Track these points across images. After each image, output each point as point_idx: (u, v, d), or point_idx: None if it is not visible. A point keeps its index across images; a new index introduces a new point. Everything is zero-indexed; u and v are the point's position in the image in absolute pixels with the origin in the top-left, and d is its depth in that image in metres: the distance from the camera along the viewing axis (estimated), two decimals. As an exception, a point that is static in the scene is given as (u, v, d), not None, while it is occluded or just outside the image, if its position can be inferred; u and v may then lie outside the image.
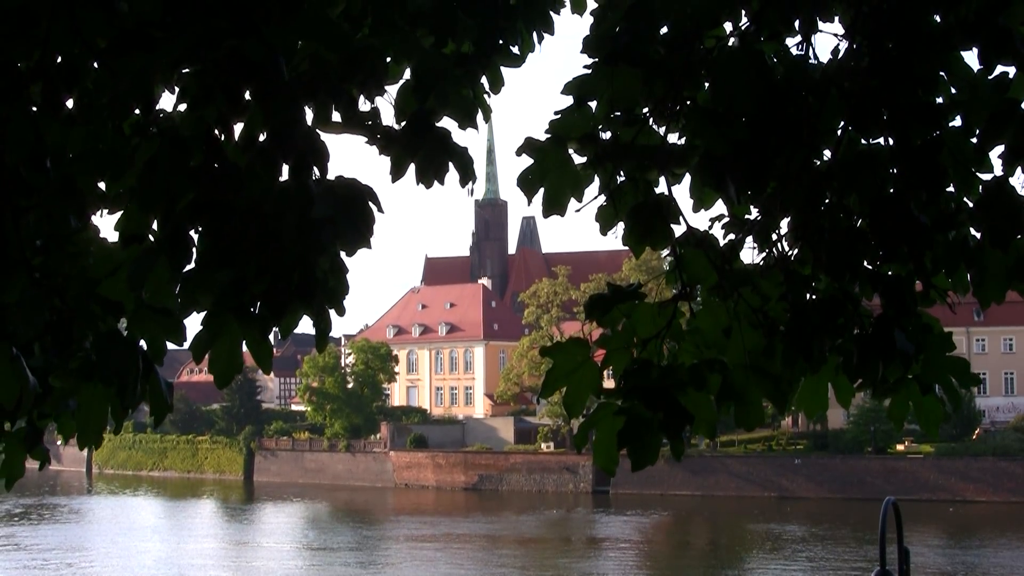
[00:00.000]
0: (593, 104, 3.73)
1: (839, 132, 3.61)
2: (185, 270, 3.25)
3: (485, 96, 3.95)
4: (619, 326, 3.68)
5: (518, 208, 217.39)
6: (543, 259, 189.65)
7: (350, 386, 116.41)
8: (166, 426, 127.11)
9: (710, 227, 3.69)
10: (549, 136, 3.78)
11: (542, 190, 3.83)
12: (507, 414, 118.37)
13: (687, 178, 3.74)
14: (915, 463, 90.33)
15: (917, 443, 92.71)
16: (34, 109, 3.22)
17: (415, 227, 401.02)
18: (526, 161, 3.83)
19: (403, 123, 3.54)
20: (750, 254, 3.71)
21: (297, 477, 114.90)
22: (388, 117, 3.59)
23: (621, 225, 3.76)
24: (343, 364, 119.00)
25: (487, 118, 3.98)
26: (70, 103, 3.31)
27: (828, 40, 3.66)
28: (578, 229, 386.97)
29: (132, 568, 59.06)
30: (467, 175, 3.62)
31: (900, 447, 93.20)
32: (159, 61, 3.13)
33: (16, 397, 3.16)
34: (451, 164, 3.61)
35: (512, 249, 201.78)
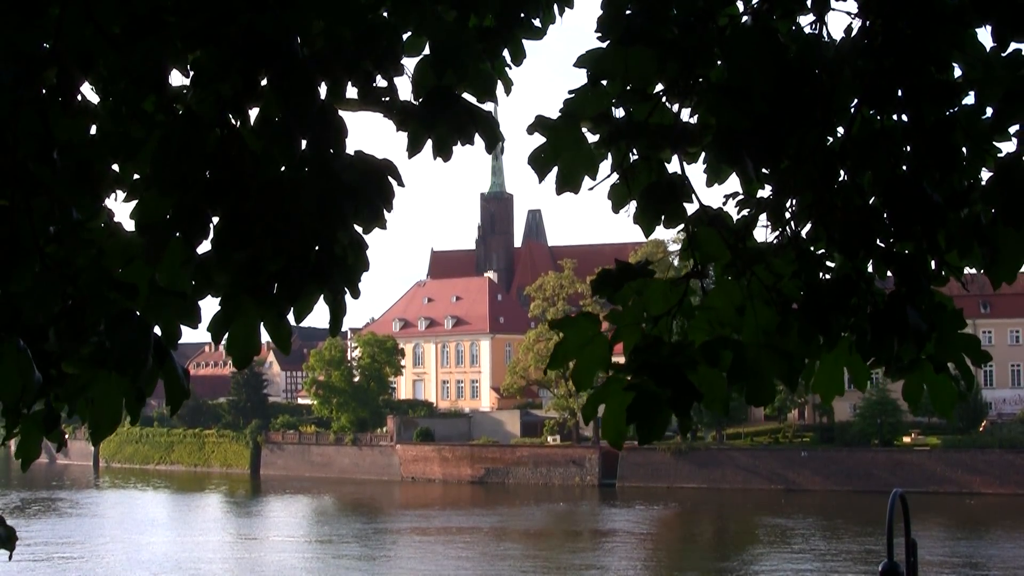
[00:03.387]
0: (606, 83, 3.73)
1: (852, 110, 3.60)
2: (201, 252, 3.24)
3: (507, 69, 3.94)
4: (630, 302, 3.68)
5: (524, 201, 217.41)
6: (549, 252, 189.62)
7: (356, 380, 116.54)
8: (173, 420, 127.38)
9: (724, 203, 3.69)
10: (561, 114, 3.77)
11: (555, 169, 3.82)
12: (513, 407, 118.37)
13: (699, 157, 3.73)
14: (922, 455, 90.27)
15: (924, 435, 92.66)
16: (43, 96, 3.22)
17: (421, 221, 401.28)
18: (532, 150, 3.82)
19: (421, 98, 3.52)
20: (764, 233, 3.70)
21: (303, 471, 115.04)
22: (405, 91, 3.58)
23: (633, 204, 3.75)
24: (349, 358, 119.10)
25: (508, 91, 3.97)
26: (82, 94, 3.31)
27: (841, 18, 3.65)
28: (584, 222, 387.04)
29: (139, 562, 59.14)
30: (494, 139, 3.60)
31: (907, 439, 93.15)
32: (171, 40, 3.13)
33: (17, 394, 3.15)
34: (476, 132, 3.59)
35: (518, 242, 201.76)
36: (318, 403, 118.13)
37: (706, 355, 3.52)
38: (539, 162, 3.81)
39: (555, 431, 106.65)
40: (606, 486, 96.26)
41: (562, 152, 3.78)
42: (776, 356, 3.59)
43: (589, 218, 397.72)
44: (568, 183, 3.82)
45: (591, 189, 3.85)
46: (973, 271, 3.85)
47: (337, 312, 3.37)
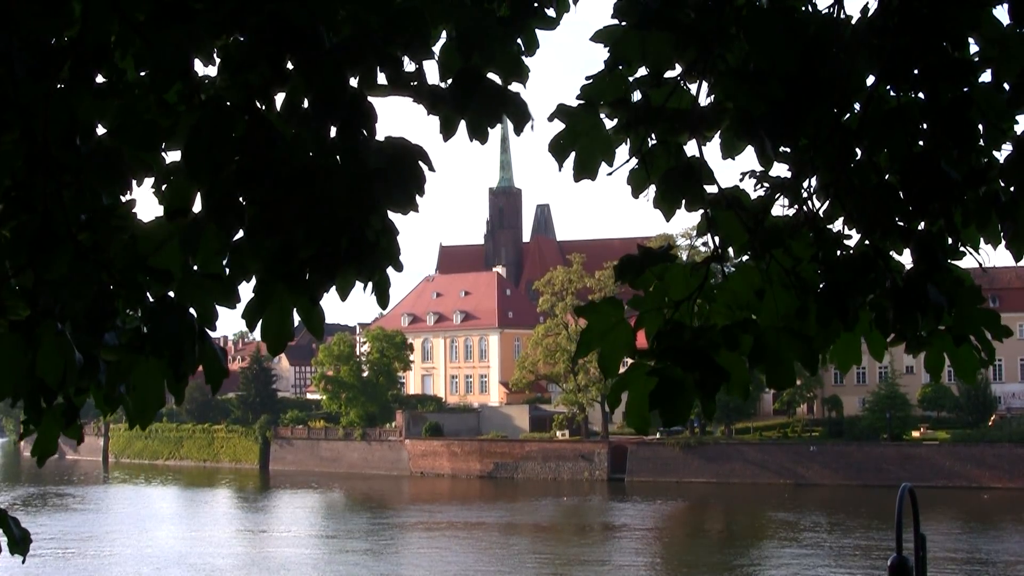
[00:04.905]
0: (623, 68, 3.75)
1: (869, 89, 3.62)
2: (234, 239, 3.28)
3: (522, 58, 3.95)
4: (651, 288, 3.71)
5: (532, 196, 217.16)
6: (557, 247, 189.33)
7: (365, 375, 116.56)
8: (182, 415, 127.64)
9: (741, 180, 3.71)
10: (581, 101, 3.79)
11: (573, 155, 3.84)
12: (522, 402, 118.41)
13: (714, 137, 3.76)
14: (931, 449, 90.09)
15: (933, 430, 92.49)
16: (64, 86, 3.24)
17: (429, 215, 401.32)
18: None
19: (450, 81, 3.53)
20: (781, 212, 3.72)
21: (313, 465, 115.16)
22: (433, 75, 3.58)
23: (652, 188, 3.78)
24: (358, 352, 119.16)
25: (525, 81, 3.98)
26: (99, 80, 3.33)
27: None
28: (592, 217, 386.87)
29: (148, 556, 59.24)
30: (523, 120, 3.61)
31: (916, 434, 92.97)
32: (199, 30, 3.16)
33: (61, 374, 3.18)
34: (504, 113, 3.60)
35: (527, 237, 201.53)
36: (327, 398, 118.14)
37: (725, 339, 3.54)
38: (558, 148, 3.84)
39: (564, 426, 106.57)
40: (615, 481, 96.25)
41: (580, 137, 3.81)
42: (795, 339, 3.61)
43: (598, 213, 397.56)
44: (586, 169, 3.85)
45: (610, 174, 3.88)
46: (988, 257, 3.86)
47: (383, 286, 3.42)
